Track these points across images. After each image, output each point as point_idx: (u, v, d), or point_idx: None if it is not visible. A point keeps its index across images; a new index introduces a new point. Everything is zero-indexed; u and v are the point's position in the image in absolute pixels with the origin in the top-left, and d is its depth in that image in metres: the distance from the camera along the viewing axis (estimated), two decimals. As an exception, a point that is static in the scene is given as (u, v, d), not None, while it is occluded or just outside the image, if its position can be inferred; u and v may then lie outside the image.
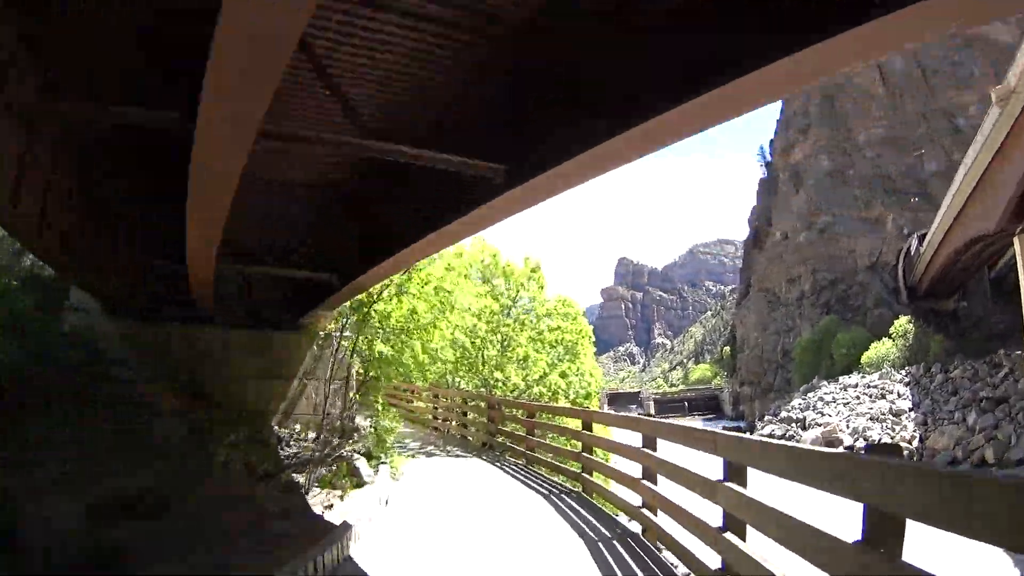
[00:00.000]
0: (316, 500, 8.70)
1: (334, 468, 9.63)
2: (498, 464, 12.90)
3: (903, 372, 34.78)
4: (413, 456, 13.64)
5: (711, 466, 5.80)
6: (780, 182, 67.41)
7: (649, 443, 7.43)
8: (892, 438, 27.26)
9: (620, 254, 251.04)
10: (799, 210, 61.99)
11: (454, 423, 17.53)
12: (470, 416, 16.63)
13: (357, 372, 12.31)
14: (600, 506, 9.11)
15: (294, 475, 9.99)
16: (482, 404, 16.30)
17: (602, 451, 10.60)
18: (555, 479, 11.48)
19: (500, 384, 18.36)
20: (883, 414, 30.20)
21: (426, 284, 11.32)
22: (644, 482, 7.44)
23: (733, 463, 5.16)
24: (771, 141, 73.75)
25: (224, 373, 12.12)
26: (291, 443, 12.11)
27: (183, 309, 10.93)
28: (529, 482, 10.83)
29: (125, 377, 10.24)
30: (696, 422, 64.94)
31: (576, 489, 10.33)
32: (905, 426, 27.86)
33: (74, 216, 7.40)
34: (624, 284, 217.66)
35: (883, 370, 37.23)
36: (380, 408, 10.97)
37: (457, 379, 19.20)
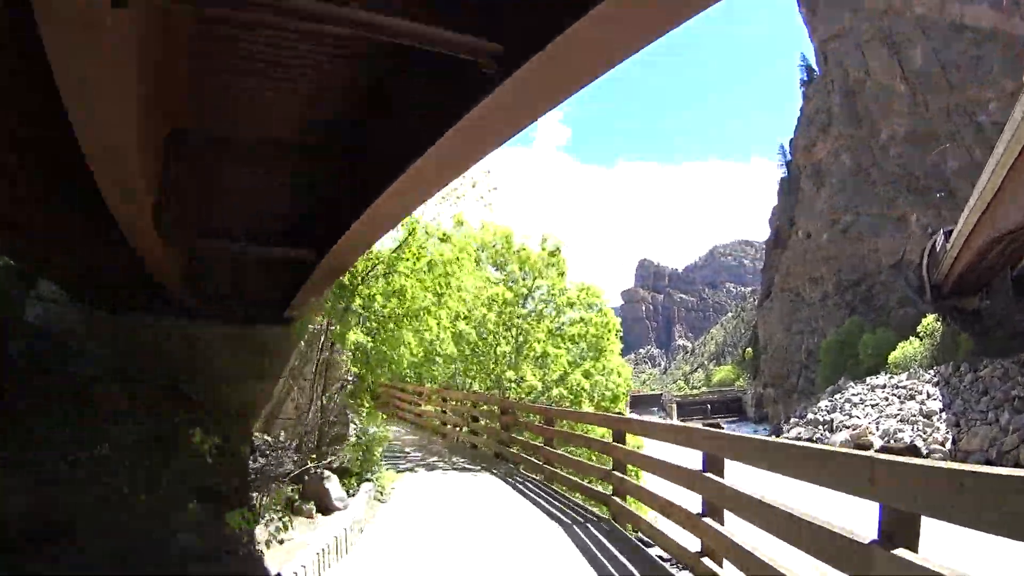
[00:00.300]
0: (267, 532, 6.78)
1: (301, 487, 7.74)
2: (510, 480, 10.87)
3: (931, 372, 33.74)
4: (412, 470, 11.64)
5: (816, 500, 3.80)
6: (802, 181, 66.14)
7: (714, 465, 5.38)
8: (925, 440, 26.59)
9: (640, 256, 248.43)
10: (821, 209, 61.09)
11: (463, 430, 15.55)
12: (481, 422, 14.63)
13: (350, 371, 10.43)
14: (636, 542, 7.08)
15: (255, 494, 8.10)
16: (495, 409, 14.32)
17: (635, 467, 8.55)
18: (577, 498, 9.49)
19: (514, 386, 16.03)
20: (913, 415, 29.43)
21: (419, 259, 9.36)
22: (706, 520, 5.38)
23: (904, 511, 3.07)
24: (791, 140, 72.71)
25: (201, 371, 10.45)
26: (268, 453, 10.24)
27: (154, 299, 9.30)
28: (547, 505, 8.77)
29: (87, 373, 8.67)
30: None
31: (604, 516, 8.30)
32: (937, 428, 27.15)
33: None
34: (645, 286, 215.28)
35: (911, 370, 36.29)
36: (366, 413, 9.00)
37: (467, 380, 17.18)
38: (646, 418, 16.21)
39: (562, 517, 8.03)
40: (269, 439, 10.60)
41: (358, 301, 8.78)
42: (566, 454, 10.74)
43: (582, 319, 17.25)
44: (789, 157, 73.01)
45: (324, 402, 9.08)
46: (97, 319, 9.08)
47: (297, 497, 7.55)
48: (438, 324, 10.86)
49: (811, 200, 63.55)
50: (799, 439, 36.44)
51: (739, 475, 5.21)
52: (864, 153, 58.27)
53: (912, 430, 28.16)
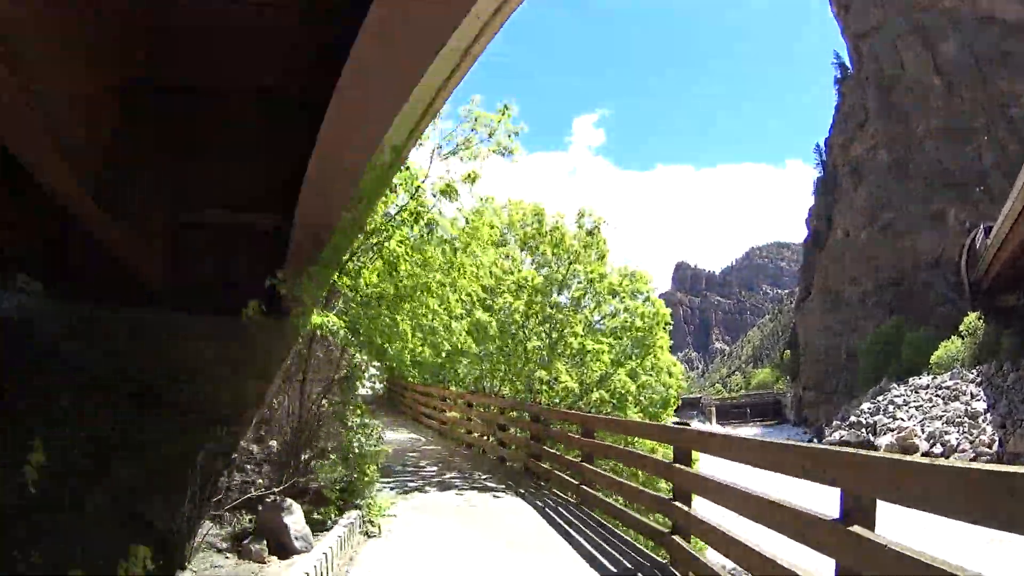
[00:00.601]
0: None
1: (254, 519, 5.94)
2: (540, 503, 8.88)
3: (974, 372, 32.71)
4: (422, 489, 9.68)
5: None
6: (839, 178, 65.03)
7: (858, 510, 3.41)
8: (972, 443, 25.91)
9: (677, 259, 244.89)
10: (859, 207, 60.08)
11: (489, 439, 13.68)
12: (509, 431, 12.75)
13: (346, 367, 8.66)
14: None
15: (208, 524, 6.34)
16: (525, 416, 12.45)
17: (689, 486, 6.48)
18: (622, 530, 7.54)
19: (547, 389, 13.70)
20: (959, 417, 28.51)
21: (417, 221, 7.42)
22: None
23: None
24: (826, 139, 72.18)
25: (180, 368, 8.85)
26: (249, 467, 8.55)
27: (131, 289, 7.85)
28: (584, 543, 6.79)
29: (54, 369, 7.23)
30: (756, 429, 60.56)
31: (662, 560, 6.32)
32: (984, 429, 26.29)
33: None
34: (682, 289, 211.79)
35: (954, 370, 35.24)
36: (355, 421, 7.10)
37: (495, 383, 15.24)
38: (716, 429, 13.99)
39: (606, 563, 6.06)
40: (257, 451, 8.93)
41: (345, 280, 6.94)
42: (610, 474, 8.73)
43: (627, 309, 14.76)
44: (825, 156, 71.96)
45: (302, 406, 7.29)
46: (75, 311, 7.37)
47: (252, 531, 5.76)
48: (446, 310, 8.84)
49: (849, 199, 62.44)
50: (842, 443, 35.26)
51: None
52: (900, 149, 57.12)
53: (958, 432, 27.16)
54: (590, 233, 14.85)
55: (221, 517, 6.03)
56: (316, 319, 6.20)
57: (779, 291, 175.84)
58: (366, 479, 7.47)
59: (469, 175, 7.29)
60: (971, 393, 30.43)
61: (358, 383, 8.42)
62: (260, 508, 5.94)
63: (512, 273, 13.84)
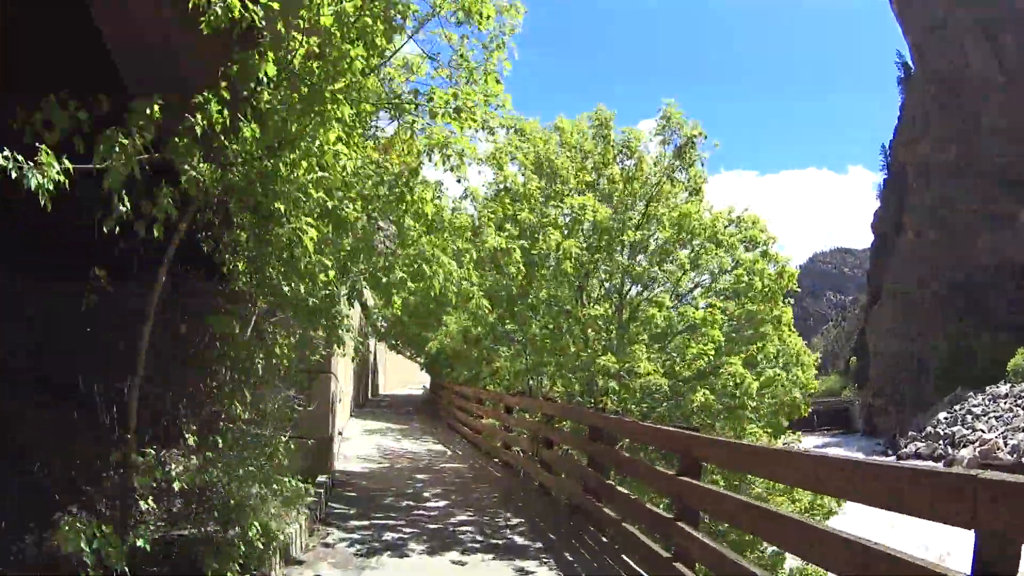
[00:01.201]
0: None
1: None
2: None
3: None
4: (401, 548, 5.49)
5: None
6: (907, 179, 63.50)
7: None
8: None
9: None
10: (926, 209, 58.59)
11: (533, 455, 9.65)
12: (556, 450, 8.74)
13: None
14: None
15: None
16: (580, 428, 8.44)
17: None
18: None
19: (614, 387, 8.83)
20: None
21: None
22: None
23: None
24: (890, 141, 72.17)
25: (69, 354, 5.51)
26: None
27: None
28: None
29: None
30: (823, 439, 55.44)
31: None
32: None
33: None
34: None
35: None
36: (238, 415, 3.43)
37: (544, 381, 11.06)
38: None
39: None
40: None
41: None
42: (728, 552, 4.49)
43: (739, 263, 9.68)
44: (890, 158, 71.86)
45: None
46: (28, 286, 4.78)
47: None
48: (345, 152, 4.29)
49: (915, 200, 60.75)
50: (917, 455, 34.25)
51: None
52: (965, 148, 55.31)
53: (1046, 445, 24.53)
54: (679, 153, 9.76)
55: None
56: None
57: (843, 297, 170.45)
58: (256, 552, 3.70)
59: None
60: (1053, 402, 28.02)
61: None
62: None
63: (561, 198, 9.35)
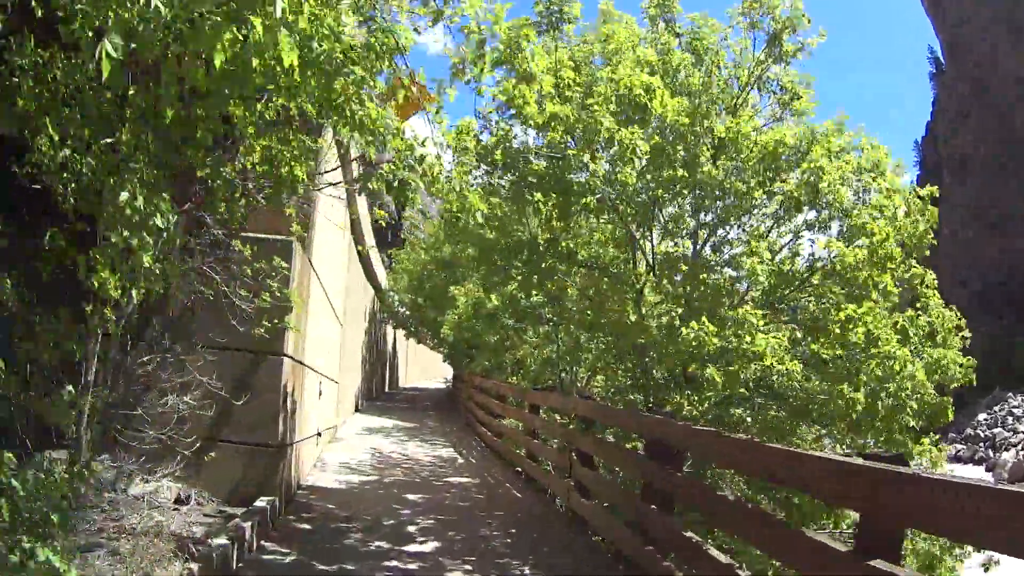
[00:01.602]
0: None
1: None
2: None
3: None
4: None
5: None
6: (942, 175, 59.98)
7: None
8: None
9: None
10: (964, 206, 56.66)
11: (560, 469, 7.15)
12: (598, 469, 6.23)
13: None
14: None
15: None
16: (634, 440, 5.96)
17: None
18: None
19: (711, 374, 5.51)
20: None
21: None
22: None
23: None
24: (923, 136, 70.22)
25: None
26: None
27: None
28: None
29: None
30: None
31: None
32: None
33: None
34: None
35: None
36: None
37: (579, 371, 8.35)
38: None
39: None
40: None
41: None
42: None
43: (882, 193, 6.73)
44: (923, 154, 69.81)
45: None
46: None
47: None
48: None
49: (951, 198, 56.92)
50: (957, 458, 32.16)
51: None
52: (1000, 144, 53.78)
53: (1086, 448, 23.71)
54: (777, 34, 6.89)
55: None
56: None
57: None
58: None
59: None
60: (1093, 404, 26.81)
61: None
62: None
63: (615, 74, 5.93)
